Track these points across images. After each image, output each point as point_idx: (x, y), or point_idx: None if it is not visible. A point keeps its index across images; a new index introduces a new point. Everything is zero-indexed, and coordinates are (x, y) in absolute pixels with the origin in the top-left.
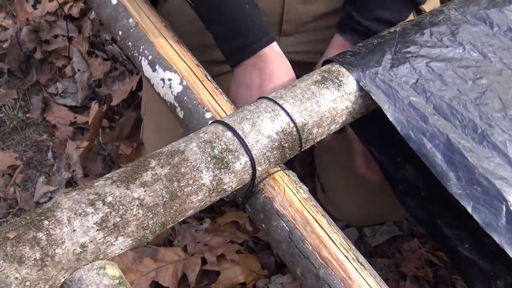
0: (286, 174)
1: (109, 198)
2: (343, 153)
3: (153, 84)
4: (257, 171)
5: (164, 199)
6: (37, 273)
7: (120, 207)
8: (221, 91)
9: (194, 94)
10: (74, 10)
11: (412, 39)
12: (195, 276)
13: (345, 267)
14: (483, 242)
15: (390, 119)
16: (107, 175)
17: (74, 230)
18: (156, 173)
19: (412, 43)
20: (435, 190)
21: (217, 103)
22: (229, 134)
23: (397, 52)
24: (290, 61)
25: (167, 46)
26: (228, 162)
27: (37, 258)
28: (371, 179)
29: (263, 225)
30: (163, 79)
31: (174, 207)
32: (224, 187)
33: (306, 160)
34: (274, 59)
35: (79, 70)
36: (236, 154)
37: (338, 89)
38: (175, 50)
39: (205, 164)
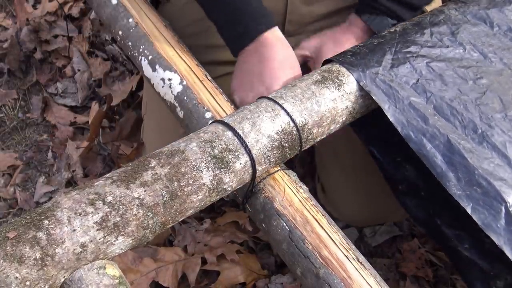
0: (286, 174)
1: (109, 198)
2: (343, 153)
3: (153, 84)
4: (257, 171)
5: (164, 199)
6: (37, 273)
7: (120, 206)
8: (221, 91)
9: (194, 94)
10: (74, 10)
11: (413, 39)
12: (195, 276)
13: (345, 267)
14: (483, 242)
15: (390, 119)
16: (107, 175)
17: (74, 230)
18: (156, 173)
19: (412, 43)
20: (435, 190)
21: (217, 103)
22: (229, 133)
23: (397, 52)
24: None
25: (167, 46)
26: (228, 162)
27: (37, 257)
28: None
29: (263, 225)
30: (163, 79)
31: (174, 206)
32: (224, 187)
33: (306, 160)
34: (275, 44)
35: (79, 70)
36: (236, 154)
37: (338, 89)
38: (175, 50)
39: (205, 163)
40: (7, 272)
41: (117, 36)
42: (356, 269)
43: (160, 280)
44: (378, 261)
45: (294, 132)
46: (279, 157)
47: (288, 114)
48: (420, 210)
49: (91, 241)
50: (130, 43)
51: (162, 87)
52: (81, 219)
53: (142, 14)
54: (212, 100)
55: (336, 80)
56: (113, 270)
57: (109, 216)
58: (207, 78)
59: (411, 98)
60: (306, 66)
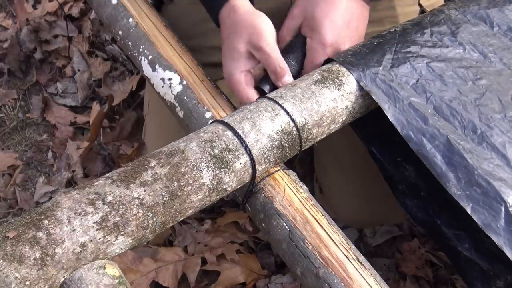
0: (286, 174)
1: (109, 198)
2: (342, 154)
3: (153, 83)
4: (257, 171)
5: (164, 199)
6: (37, 273)
7: (120, 206)
8: (221, 90)
9: (194, 94)
10: (74, 10)
11: (413, 39)
12: (195, 276)
13: (345, 267)
14: (483, 242)
15: (390, 120)
16: (107, 175)
17: (74, 230)
18: (156, 173)
19: (412, 43)
20: (435, 191)
21: (217, 102)
22: (229, 133)
23: (397, 52)
24: None
25: (167, 46)
26: (228, 162)
27: (37, 257)
28: None
29: (263, 225)
30: (163, 79)
31: (174, 206)
32: (224, 187)
33: (306, 160)
34: (239, 13)
35: (79, 70)
36: (236, 154)
37: (338, 89)
38: (175, 50)
39: (205, 163)
40: (7, 272)
41: (117, 36)
42: (356, 269)
43: (160, 280)
44: (378, 261)
45: (294, 132)
46: (279, 157)
47: (288, 114)
48: (420, 210)
49: (91, 241)
50: (130, 43)
51: (162, 87)
52: (81, 219)
53: (142, 14)
54: (212, 100)
55: (336, 80)
56: (113, 270)
57: (109, 216)
58: (207, 78)
59: (411, 98)
60: (301, 37)
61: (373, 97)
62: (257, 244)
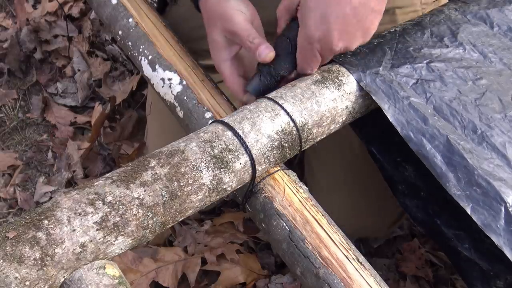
0: (286, 174)
1: (109, 198)
2: (334, 168)
3: (153, 83)
4: (257, 171)
5: (164, 199)
6: (37, 273)
7: (120, 206)
8: (221, 90)
9: (194, 94)
10: (74, 10)
11: (413, 39)
12: (195, 276)
13: (345, 267)
14: (483, 242)
15: (390, 120)
16: (107, 175)
17: (74, 230)
18: (156, 173)
19: (412, 43)
20: (435, 191)
21: (217, 102)
22: (229, 133)
23: (397, 52)
24: None
25: (167, 46)
26: (228, 162)
27: (37, 257)
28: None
29: (263, 225)
30: (163, 79)
31: (174, 206)
32: (224, 187)
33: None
34: (209, 4)
35: (79, 70)
36: (236, 154)
37: (338, 89)
38: (175, 50)
39: (205, 163)
40: (7, 272)
41: (117, 36)
42: (356, 269)
43: (160, 280)
44: (378, 261)
45: (294, 132)
46: (279, 157)
47: (288, 114)
48: (419, 210)
49: (91, 241)
50: (130, 43)
51: (162, 87)
52: (81, 219)
53: (142, 14)
54: (212, 100)
55: (336, 80)
56: (113, 270)
57: (109, 216)
58: (207, 78)
59: (411, 98)
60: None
61: (373, 97)
62: (257, 244)
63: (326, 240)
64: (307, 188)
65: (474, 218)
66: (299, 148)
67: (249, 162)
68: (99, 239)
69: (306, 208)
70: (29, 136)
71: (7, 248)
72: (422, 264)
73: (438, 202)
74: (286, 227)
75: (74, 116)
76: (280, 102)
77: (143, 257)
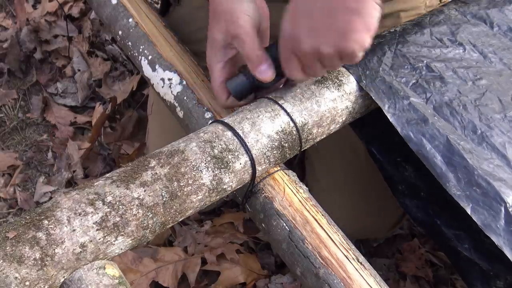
0: (286, 174)
1: (109, 198)
2: (337, 169)
3: (153, 83)
4: (257, 171)
5: (164, 199)
6: (37, 273)
7: (120, 206)
8: None
9: (194, 94)
10: (74, 10)
11: (413, 39)
12: (195, 276)
13: (345, 267)
14: (483, 243)
15: (390, 120)
16: (107, 175)
17: (74, 230)
18: (156, 173)
19: (412, 43)
20: (435, 191)
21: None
22: (229, 133)
23: (397, 52)
24: None
25: (167, 46)
26: (228, 162)
27: (37, 257)
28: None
29: (263, 225)
30: (163, 79)
31: (174, 206)
32: (224, 187)
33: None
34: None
35: (79, 70)
36: (236, 154)
37: (338, 89)
38: (175, 50)
39: (205, 163)
40: (7, 272)
41: (117, 36)
42: (356, 269)
43: (160, 280)
44: (378, 261)
45: (294, 132)
46: (279, 157)
47: (288, 114)
48: (419, 211)
49: (91, 241)
50: (130, 43)
51: (162, 87)
52: (81, 219)
53: (142, 14)
54: (212, 100)
55: (336, 80)
56: (112, 270)
57: (109, 216)
58: (207, 78)
59: (411, 99)
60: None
61: (373, 97)
62: (257, 244)
63: (326, 240)
64: (307, 188)
65: (474, 218)
66: (299, 148)
67: (249, 162)
68: (99, 239)
69: (306, 208)
70: (29, 136)
71: (7, 248)
72: (422, 264)
73: (438, 202)
74: (286, 227)
75: (74, 116)
76: (280, 102)
77: (143, 257)
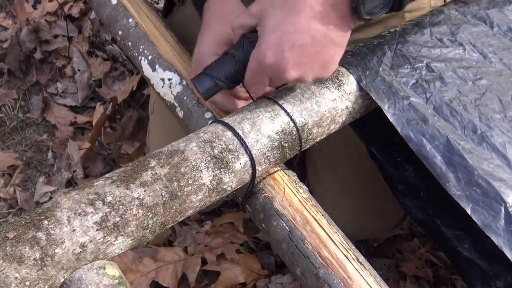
0: (286, 174)
1: (109, 198)
2: (340, 167)
3: (153, 83)
4: (257, 171)
5: (164, 199)
6: (37, 273)
7: (120, 206)
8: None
9: (194, 94)
10: (74, 10)
11: (413, 39)
12: (195, 276)
13: (345, 267)
14: (483, 243)
15: (390, 120)
16: (107, 175)
17: (74, 230)
18: (156, 173)
19: (412, 43)
20: (435, 191)
21: None
22: (229, 134)
23: (397, 52)
24: None
25: (167, 46)
26: (228, 162)
27: (37, 258)
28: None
29: (263, 225)
30: (163, 79)
31: (174, 207)
32: (224, 187)
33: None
34: (214, 4)
35: (79, 70)
36: (236, 154)
37: (338, 89)
38: (175, 50)
39: (205, 164)
40: (7, 272)
41: (117, 36)
42: (356, 269)
43: (160, 280)
44: (378, 261)
45: (294, 132)
46: (279, 157)
47: (288, 114)
48: (419, 211)
49: (91, 241)
50: (130, 43)
51: (162, 87)
52: (81, 219)
53: (142, 14)
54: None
55: (336, 80)
56: (112, 270)
57: (109, 216)
58: None
59: (411, 99)
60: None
61: (373, 97)
62: (257, 244)
63: (326, 240)
64: (307, 188)
65: (474, 218)
66: (299, 148)
67: (249, 162)
68: (99, 239)
69: (306, 208)
70: (29, 136)
71: (7, 248)
72: (422, 264)
73: (438, 202)
74: (286, 227)
75: (74, 116)
76: (280, 102)
77: (143, 257)
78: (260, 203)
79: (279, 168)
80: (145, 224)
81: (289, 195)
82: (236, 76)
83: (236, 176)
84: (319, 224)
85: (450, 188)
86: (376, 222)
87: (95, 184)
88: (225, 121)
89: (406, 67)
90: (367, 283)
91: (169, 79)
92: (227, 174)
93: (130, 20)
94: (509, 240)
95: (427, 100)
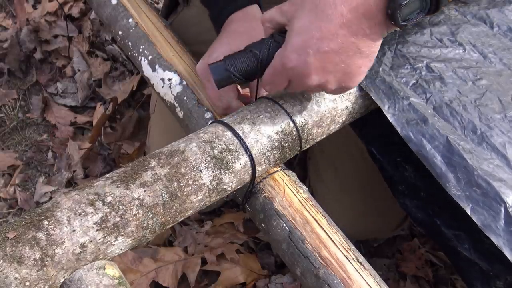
0: (286, 174)
1: (109, 198)
2: (342, 168)
3: (153, 84)
4: (257, 171)
5: (164, 199)
6: (37, 273)
7: (120, 207)
8: None
9: (194, 94)
10: (74, 10)
11: (413, 39)
12: (195, 276)
13: (345, 267)
14: (482, 243)
15: (390, 120)
16: (107, 175)
17: (74, 230)
18: (156, 173)
19: (412, 43)
20: (435, 191)
21: None
22: (229, 134)
23: (397, 52)
24: None
25: (167, 46)
26: (228, 162)
27: (37, 258)
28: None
29: (263, 225)
30: (163, 79)
31: (174, 207)
32: (224, 187)
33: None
34: (242, 19)
35: (79, 70)
36: (236, 154)
37: None
38: (175, 50)
39: (205, 164)
40: (7, 272)
41: (117, 36)
42: (356, 269)
43: (160, 280)
44: (378, 261)
45: (294, 132)
46: (279, 157)
47: (288, 114)
48: (419, 211)
49: (91, 241)
50: (130, 43)
51: (162, 87)
52: (81, 219)
53: (142, 14)
54: None
55: None
56: (112, 270)
57: (109, 217)
58: None
59: (410, 99)
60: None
61: (373, 98)
62: (257, 244)
63: (326, 240)
64: (307, 189)
65: (474, 218)
66: (299, 149)
67: (249, 162)
68: (99, 239)
69: (306, 209)
70: (29, 136)
71: (7, 248)
72: (422, 264)
73: (438, 203)
74: (286, 227)
75: (74, 116)
76: (280, 102)
77: (143, 257)
78: (260, 203)
79: (279, 168)
80: (145, 224)
81: (289, 195)
82: (253, 74)
83: (236, 176)
84: (319, 224)
85: (450, 188)
86: (377, 222)
87: (95, 184)
88: (225, 121)
89: (406, 67)
90: (367, 283)
91: (169, 79)
92: (227, 174)
93: (130, 20)
94: (509, 240)
95: (427, 100)
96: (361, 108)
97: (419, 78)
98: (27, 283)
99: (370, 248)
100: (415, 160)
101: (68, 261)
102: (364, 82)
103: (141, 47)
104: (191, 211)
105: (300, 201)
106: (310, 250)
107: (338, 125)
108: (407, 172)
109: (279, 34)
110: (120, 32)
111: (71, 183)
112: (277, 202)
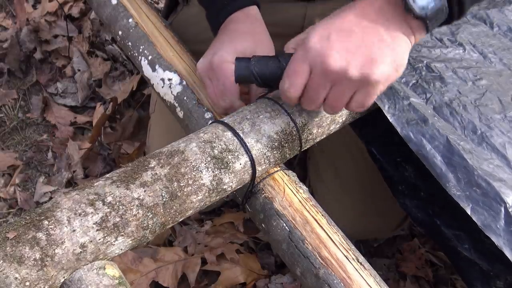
0: (286, 174)
1: (109, 198)
2: (342, 167)
3: (153, 84)
4: (257, 171)
5: (164, 199)
6: (37, 273)
7: (120, 207)
8: None
9: (194, 94)
10: (74, 10)
11: None
12: (195, 276)
13: (345, 267)
14: (482, 243)
15: (390, 120)
16: (107, 175)
17: (74, 230)
18: (156, 173)
19: None
20: (435, 191)
21: None
22: (229, 134)
23: None
24: None
25: (167, 46)
26: (228, 162)
27: (37, 258)
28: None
29: (263, 225)
30: (163, 79)
31: (174, 207)
32: (224, 187)
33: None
34: (243, 20)
35: (79, 70)
36: (236, 154)
37: None
38: (175, 50)
39: (205, 164)
40: (7, 272)
41: (117, 36)
42: (356, 269)
43: (160, 280)
44: (378, 261)
45: (294, 132)
46: (279, 157)
47: (288, 114)
48: (419, 211)
49: (91, 241)
50: (130, 43)
51: (162, 87)
52: (81, 219)
53: (142, 14)
54: None
55: None
56: (112, 271)
57: (109, 217)
58: None
59: (411, 99)
60: None
61: None
62: (257, 244)
63: (326, 240)
64: (307, 189)
65: (474, 218)
66: (299, 149)
67: (249, 162)
68: (99, 239)
69: (306, 209)
70: (29, 136)
71: (7, 248)
72: (422, 264)
73: (438, 203)
74: (286, 227)
75: (74, 116)
76: (280, 102)
77: (143, 257)
78: (260, 203)
79: (279, 168)
80: (145, 225)
81: (289, 195)
82: (273, 82)
83: (236, 176)
84: (319, 224)
85: (450, 188)
86: (377, 222)
87: (95, 184)
88: (225, 121)
89: (406, 67)
90: (367, 283)
91: (169, 79)
92: (227, 175)
93: (130, 20)
94: (509, 240)
95: (427, 100)
96: None
97: (419, 78)
98: (27, 283)
99: (370, 248)
100: (415, 160)
101: (68, 261)
102: None
103: (141, 47)
104: (191, 211)
105: (300, 201)
106: (310, 250)
107: (338, 125)
108: (407, 172)
109: None
110: (120, 32)
111: (71, 183)
112: (277, 202)
